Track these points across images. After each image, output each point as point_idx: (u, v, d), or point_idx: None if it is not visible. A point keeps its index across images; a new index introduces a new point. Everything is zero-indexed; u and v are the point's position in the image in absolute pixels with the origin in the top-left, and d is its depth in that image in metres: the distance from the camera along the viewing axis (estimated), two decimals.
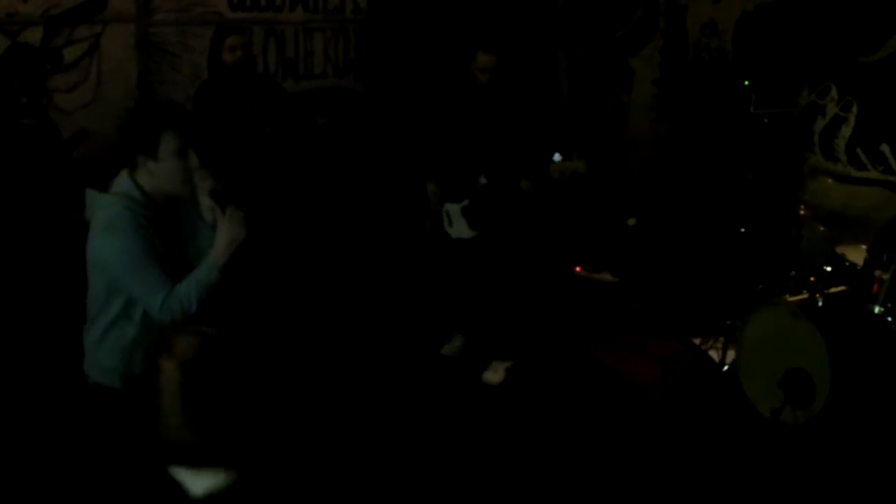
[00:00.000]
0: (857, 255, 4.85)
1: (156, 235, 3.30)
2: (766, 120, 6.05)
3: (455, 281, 5.40)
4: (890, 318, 4.47)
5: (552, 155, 4.93)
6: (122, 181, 3.34)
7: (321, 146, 6.59)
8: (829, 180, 5.60)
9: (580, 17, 7.89)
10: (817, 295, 4.65)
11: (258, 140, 5.17)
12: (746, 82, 6.12)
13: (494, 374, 5.20)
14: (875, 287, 4.54)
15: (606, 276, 6.49)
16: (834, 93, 6.20)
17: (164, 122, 3.31)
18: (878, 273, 4.54)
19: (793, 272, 5.24)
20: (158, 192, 3.35)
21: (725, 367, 5.23)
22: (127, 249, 3.21)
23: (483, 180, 5.20)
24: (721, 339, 5.42)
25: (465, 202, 5.24)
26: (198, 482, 3.08)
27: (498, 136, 5.31)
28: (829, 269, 4.92)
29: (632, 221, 6.34)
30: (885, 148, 5.95)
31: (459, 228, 5.28)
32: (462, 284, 5.36)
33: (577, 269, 6.46)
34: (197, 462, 3.06)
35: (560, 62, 8.08)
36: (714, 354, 5.48)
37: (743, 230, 5.82)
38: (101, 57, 5.99)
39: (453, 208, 5.28)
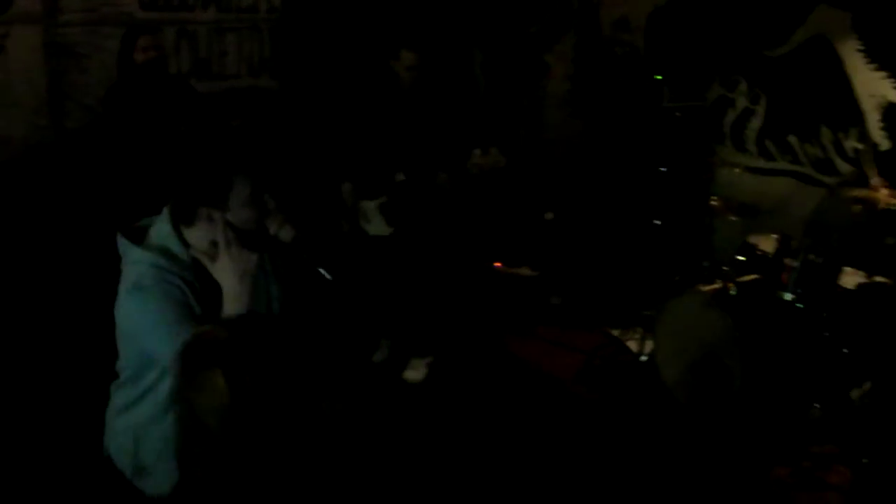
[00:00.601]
0: (768, 244, 4.95)
1: (195, 298, 2.77)
2: (677, 113, 6.16)
3: (373, 279, 5.37)
4: (800, 305, 4.58)
5: (471, 150, 4.93)
6: (163, 232, 2.79)
7: (236, 147, 6.50)
8: (739, 171, 5.72)
9: (495, 12, 7.91)
10: (730, 284, 4.75)
11: (171, 142, 5.07)
12: (659, 76, 6.24)
13: (415, 372, 5.19)
14: (785, 275, 4.65)
15: (525, 271, 6.53)
16: (743, 86, 6.33)
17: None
18: (787, 261, 4.65)
19: (706, 262, 5.33)
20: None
21: (643, 358, 5.31)
22: (151, 310, 2.68)
23: (401, 177, 5.18)
24: (639, 329, 5.50)
25: (383, 199, 5.22)
26: None
27: (417, 133, 5.30)
28: (741, 258, 5.02)
29: (549, 216, 6.38)
30: (792, 139, 6.09)
31: (377, 226, 5.26)
32: (380, 282, 5.34)
33: (497, 264, 6.48)
34: None
35: (476, 58, 8.09)
36: (633, 345, 5.56)
37: (657, 222, 5.92)
38: (8, 59, 5.82)
39: (370, 205, 5.24)
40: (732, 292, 4.71)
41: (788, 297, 4.58)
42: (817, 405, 4.43)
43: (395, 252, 5.25)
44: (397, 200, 5.20)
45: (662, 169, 5.97)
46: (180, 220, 2.79)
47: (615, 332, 5.81)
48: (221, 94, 6.93)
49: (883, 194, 4.79)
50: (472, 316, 5.88)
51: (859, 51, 5.72)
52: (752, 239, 5.11)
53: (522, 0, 7.65)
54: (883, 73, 5.61)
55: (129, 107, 4.99)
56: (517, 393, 5.11)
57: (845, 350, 4.48)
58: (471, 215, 5.57)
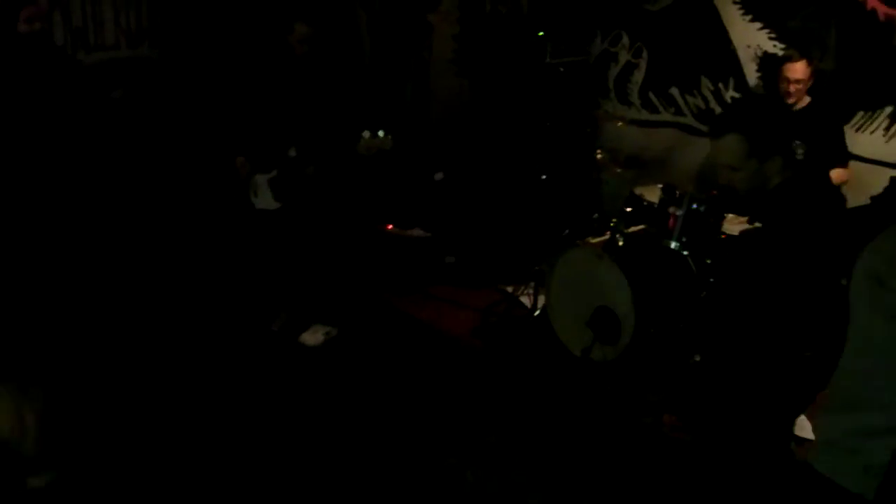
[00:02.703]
0: (653, 194, 5.04)
1: None
2: (561, 69, 6.21)
3: (266, 252, 5.31)
4: (686, 252, 4.68)
5: (360, 130, 4.89)
6: None
7: (118, 120, 6.30)
8: (623, 124, 5.81)
9: None
10: (618, 235, 4.83)
11: (54, 116, 4.90)
12: (541, 33, 6.26)
13: (312, 336, 5.16)
14: (671, 223, 4.74)
15: (418, 232, 6.52)
16: (625, 40, 6.41)
17: None
18: (672, 210, 4.74)
19: (595, 215, 5.42)
20: None
21: (537, 312, 5.37)
22: None
23: (293, 153, 5.11)
24: (532, 284, 5.56)
25: (273, 173, 5.14)
26: None
27: (310, 107, 5.24)
28: (628, 209, 5.10)
29: (438, 176, 6.37)
30: (674, 91, 6.21)
31: (264, 200, 5.19)
32: (272, 255, 5.29)
33: (389, 226, 6.46)
34: None
35: (361, 19, 8.00)
36: (526, 300, 5.63)
37: (545, 177, 5.97)
38: None
39: (261, 179, 5.17)
40: (620, 243, 4.79)
41: (674, 245, 4.67)
42: (697, 355, 4.54)
43: (282, 226, 5.19)
44: (287, 176, 5.13)
45: (548, 124, 6.03)
46: None
47: (509, 289, 5.87)
48: (100, 66, 6.70)
49: None
50: (366, 279, 5.88)
51: (735, 3, 5.85)
52: (639, 190, 5.20)
53: None
54: (758, 24, 5.75)
55: (12, 80, 4.80)
56: (414, 351, 5.13)
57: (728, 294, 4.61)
58: (357, 191, 5.53)
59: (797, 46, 5.45)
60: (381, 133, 4.87)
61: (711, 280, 4.61)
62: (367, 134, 4.89)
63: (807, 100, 5.28)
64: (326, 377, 4.81)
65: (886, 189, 4.91)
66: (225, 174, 5.27)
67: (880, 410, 2.02)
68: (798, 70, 5.17)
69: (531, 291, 5.53)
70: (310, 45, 5.22)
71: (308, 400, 4.54)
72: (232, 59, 6.02)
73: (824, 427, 2.24)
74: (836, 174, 5.06)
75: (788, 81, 5.23)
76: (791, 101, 5.25)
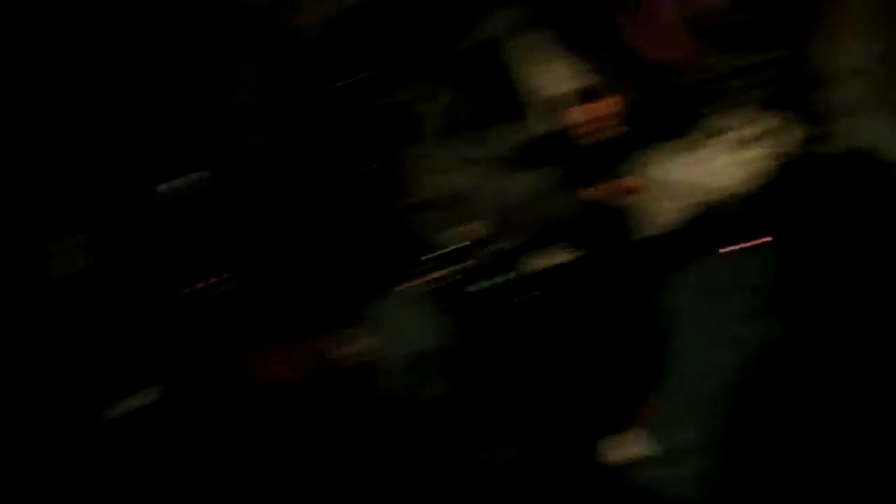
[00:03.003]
0: (467, 233, 5.11)
1: None
2: (373, 113, 6.23)
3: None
4: (499, 292, 4.76)
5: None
6: None
7: None
8: (436, 165, 5.85)
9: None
10: (436, 276, 4.86)
11: None
12: (351, 78, 6.28)
13: (137, 400, 4.98)
14: (484, 263, 4.82)
15: (238, 282, 6.39)
16: (434, 82, 6.48)
17: None
18: (491, 248, 4.82)
19: (412, 258, 5.44)
20: None
21: (365, 359, 5.34)
22: None
23: None
24: (357, 329, 5.53)
25: None
26: None
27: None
28: (444, 250, 5.15)
29: (254, 221, 6.28)
30: (484, 130, 6.29)
31: None
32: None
33: (212, 280, 6.32)
34: None
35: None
36: (353, 348, 5.59)
37: (361, 220, 5.97)
38: None
39: None
40: (438, 284, 4.83)
41: (487, 284, 4.74)
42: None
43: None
44: None
45: (360, 167, 6.03)
46: None
47: (336, 337, 5.81)
48: None
49: None
50: (191, 335, 5.73)
51: (533, 45, 6.00)
52: (453, 230, 5.26)
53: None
54: (558, 63, 5.92)
55: None
56: (237, 407, 5.03)
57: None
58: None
59: (598, 82, 5.65)
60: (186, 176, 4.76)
61: (525, 317, 4.71)
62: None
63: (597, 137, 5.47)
64: (150, 444, 4.67)
65: None
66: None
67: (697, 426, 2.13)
68: (603, 105, 5.35)
69: (358, 338, 5.50)
70: None
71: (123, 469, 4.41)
72: None
73: (648, 443, 2.33)
74: None
75: (577, 123, 5.40)
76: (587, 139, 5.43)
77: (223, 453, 4.57)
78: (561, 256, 4.75)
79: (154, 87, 7.47)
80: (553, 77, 5.91)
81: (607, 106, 5.39)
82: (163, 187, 4.79)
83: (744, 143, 5.40)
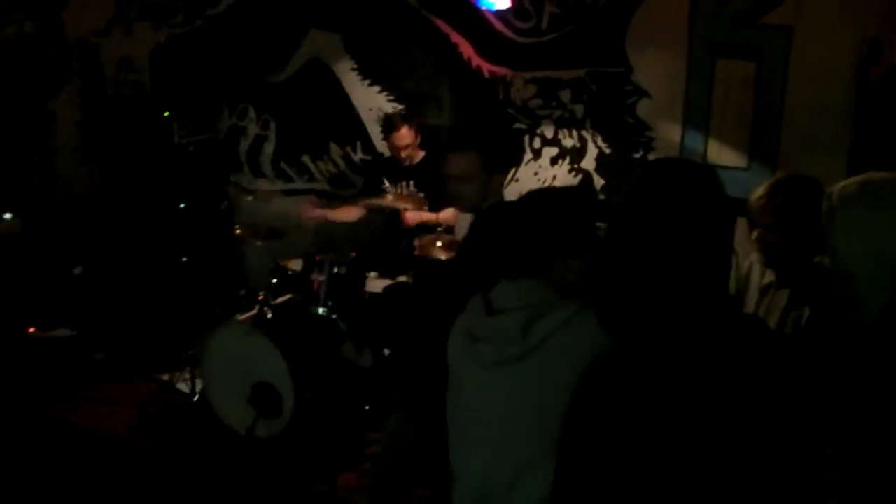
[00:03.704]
0: (296, 263, 5.09)
1: None
2: (190, 148, 6.15)
3: None
4: (334, 315, 4.75)
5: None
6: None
7: None
8: (252, 198, 5.83)
9: None
10: (265, 308, 4.81)
11: None
12: (167, 113, 6.17)
13: None
14: (315, 289, 4.81)
15: (63, 332, 6.16)
16: (252, 113, 6.45)
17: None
18: (314, 276, 4.80)
19: (242, 291, 5.37)
20: None
21: (196, 397, 5.22)
22: None
23: None
24: (188, 369, 5.40)
25: None
26: None
27: None
28: (274, 281, 5.11)
29: (77, 270, 6.07)
30: (305, 159, 6.32)
31: None
32: None
33: (30, 329, 6.06)
34: None
35: None
36: (184, 386, 5.45)
37: (185, 259, 5.86)
38: None
39: None
40: (269, 315, 4.78)
41: (321, 310, 4.73)
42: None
43: None
44: None
45: (182, 205, 5.93)
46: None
47: (165, 377, 5.66)
48: None
49: (389, 200, 5.13)
50: (11, 391, 5.45)
51: (353, 69, 6.06)
52: (282, 260, 5.23)
53: (17, 48, 7.22)
54: (377, 88, 5.99)
55: None
56: (71, 459, 4.81)
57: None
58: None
59: (414, 105, 5.75)
60: (7, 215, 4.54)
61: (362, 340, 4.71)
62: None
63: (421, 154, 5.56)
64: None
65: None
66: None
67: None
68: (403, 134, 5.44)
69: (188, 377, 5.37)
70: None
71: None
72: None
73: None
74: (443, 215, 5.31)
75: (398, 148, 5.49)
76: (406, 162, 5.51)
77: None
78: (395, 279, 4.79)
79: None
80: (380, 99, 6.00)
81: (415, 129, 5.50)
82: None
83: (556, 158, 5.59)
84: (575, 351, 2.19)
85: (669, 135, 5.24)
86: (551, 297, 2.33)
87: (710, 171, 2.11)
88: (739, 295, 3.26)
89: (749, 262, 3.28)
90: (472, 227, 3.36)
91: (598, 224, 2.51)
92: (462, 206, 4.18)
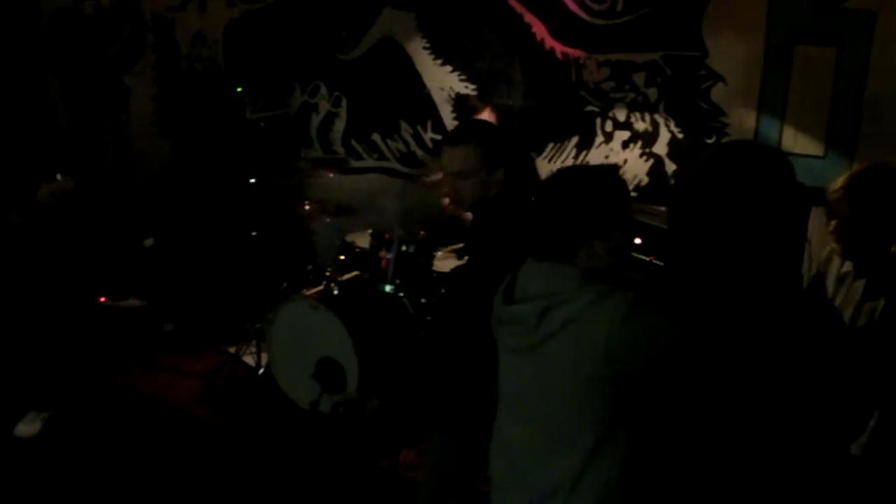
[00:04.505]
0: (364, 240, 5.11)
1: None
2: (262, 123, 6.19)
3: None
4: (401, 294, 4.76)
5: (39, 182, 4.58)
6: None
7: None
8: (330, 174, 5.84)
9: (67, 36, 7.54)
10: (332, 284, 4.83)
11: None
12: (240, 89, 6.22)
13: (28, 427, 4.79)
14: (383, 267, 4.82)
15: (133, 302, 6.27)
16: (324, 90, 6.48)
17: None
18: (382, 254, 4.82)
19: (309, 266, 5.41)
20: None
21: (261, 371, 5.28)
22: None
23: None
24: (254, 343, 5.46)
25: None
26: None
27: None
28: (341, 257, 5.14)
29: (149, 242, 6.16)
30: (376, 137, 6.33)
31: None
32: None
33: (101, 299, 6.18)
34: None
35: (52, 86, 7.66)
36: (250, 359, 5.52)
37: (255, 234, 5.92)
38: None
39: None
40: (336, 292, 4.80)
41: (388, 288, 4.74)
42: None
43: None
44: None
45: (253, 180, 5.98)
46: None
47: (231, 350, 5.74)
48: None
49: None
50: (83, 358, 5.56)
51: (425, 48, 6.05)
52: (350, 237, 5.26)
53: (95, 22, 7.34)
54: (449, 67, 5.97)
55: None
56: (139, 427, 4.90)
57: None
58: (53, 247, 5.16)
59: (486, 86, 5.72)
60: (58, 176, 4.59)
61: (428, 318, 4.71)
62: (44, 183, 4.58)
63: None
64: (48, 467, 4.50)
65: None
66: None
67: None
68: (484, 116, 5.40)
69: (254, 350, 5.44)
70: None
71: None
72: None
73: None
74: None
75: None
76: None
77: (124, 471, 4.45)
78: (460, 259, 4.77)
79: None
80: (452, 78, 5.98)
81: (496, 112, 5.46)
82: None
83: (627, 141, 5.52)
84: (585, 343, 2.21)
85: (744, 121, 5.15)
86: (570, 285, 2.29)
87: (781, 156, 2.07)
88: (818, 282, 3.21)
89: (829, 249, 3.21)
90: (479, 219, 3.33)
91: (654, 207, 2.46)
92: (461, 206, 4.01)
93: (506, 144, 3.42)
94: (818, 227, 3.31)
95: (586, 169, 3.46)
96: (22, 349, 4.95)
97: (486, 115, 5.39)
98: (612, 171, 2.59)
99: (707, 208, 1.99)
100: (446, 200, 5.14)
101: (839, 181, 3.00)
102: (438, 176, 4.89)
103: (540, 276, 2.37)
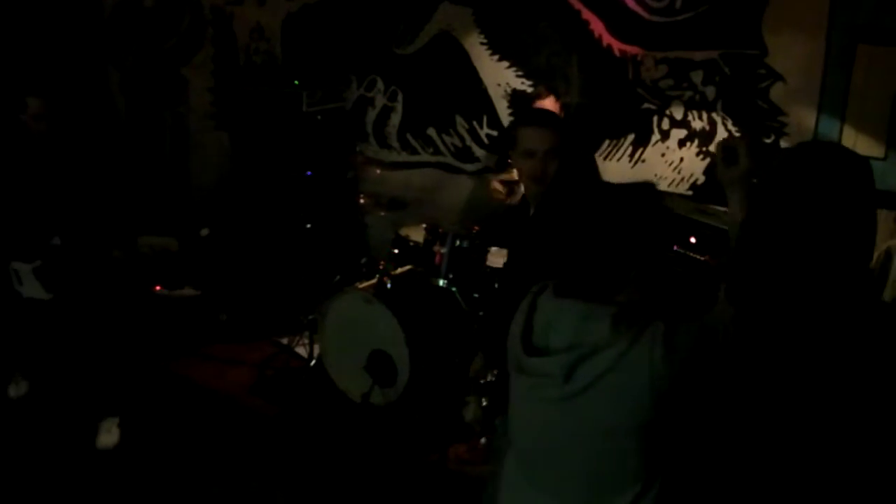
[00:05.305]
0: (418, 234, 5.12)
1: None
2: (318, 117, 6.23)
3: (26, 334, 4.96)
4: (454, 289, 4.77)
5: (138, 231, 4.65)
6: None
7: None
8: (379, 171, 5.88)
9: (127, 29, 7.65)
10: (386, 278, 4.86)
11: None
12: (297, 82, 6.26)
13: (109, 436, 4.83)
14: (437, 261, 4.83)
15: (188, 292, 6.35)
16: (381, 85, 6.50)
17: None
18: (436, 248, 4.83)
19: (363, 259, 5.44)
20: None
21: (313, 362, 5.32)
22: None
23: (57, 241, 4.79)
24: (306, 334, 5.51)
25: (38, 263, 4.82)
26: None
27: (66, 191, 4.92)
28: (395, 251, 5.16)
29: (204, 232, 6.24)
30: (431, 132, 6.35)
31: (32, 289, 4.85)
32: (36, 340, 4.94)
33: (157, 287, 6.26)
34: None
35: (112, 78, 7.78)
36: (302, 351, 5.56)
37: (310, 226, 5.96)
38: None
39: (23, 268, 4.82)
40: (389, 285, 4.82)
41: (442, 282, 4.76)
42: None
43: (54, 315, 4.86)
44: (54, 266, 4.81)
45: (309, 173, 6.02)
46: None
47: (284, 341, 5.79)
48: None
49: (515, 175, 5.09)
50: (139, 346, 5.63)
51: (482, 44, 6.05)
52: (404, 231, 5.28)
53: (155, 15, 7.44)
54: (506, 63, 5.96)
55: None
56: (187, 415, 4.96)
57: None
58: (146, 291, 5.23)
59: (543, 82, 5.70)
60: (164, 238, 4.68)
61: (481, 313, 4.71)
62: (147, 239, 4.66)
63: None
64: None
65: None
66: None
67: None
68: (547, 105, 5.39)
69: (306, 341, 5.48)
70: (47, 122, 4.82)
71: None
72: None
73: None
74: None
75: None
76: None
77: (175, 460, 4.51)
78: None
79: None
80: (509, 74, 5.97)
81: (560, 103, 5.45)
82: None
83: (684, 140, 5.48)
84: (627, 394, 2.06)
85: (803, 121, 5.08)
86: (600, 332, 2.07)
87: (863, 161, 2.03)
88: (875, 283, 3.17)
89: (886, 246, 3.18)
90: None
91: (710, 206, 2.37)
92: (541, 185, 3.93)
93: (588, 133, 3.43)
94: (879, 230, 3.27)
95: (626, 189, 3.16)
96: (90, 350, 5.00)
97: (550, 103, 5.39)
98: (650, 190, 2.49)
99: (784, 210, 1.96)
100: (502, 191, 5.16)
101: None
102: (513, 176, 4.87)
103: (566, 323, 2.14)
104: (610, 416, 2.08)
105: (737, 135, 5.23)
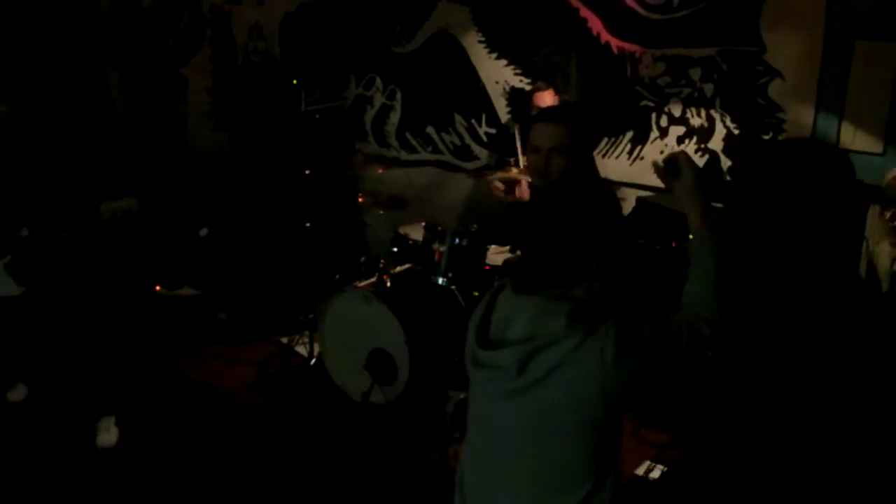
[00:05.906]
0: (417, 232, 5.12)
1: None
2: (317, 116, 6.23)
3: (13, 335, 4.94)
4: (453, 287, 4.76)
5: (101, 198, 4.65)
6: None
7: None
8: (380, 170, 5.88)
9: (126, 29, 7.65)
10: (385, 276, 4.85)
11: None
12: (295, 81, 6.27)
13: (108, 435, 4.82)
14: (436, 260, 4.82)
15: (187, 291, 6.35)
16: (379, 83, 6.51)
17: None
18: (436, 247, 4.82)
19: (362, 258, 5.43)
20: None
21: (313, 361, 5.31)
22: None
23: (25, 233, 4.77)
24: (306, 333, 5.50)
25: (7, 258, 4.79)
26: None
27: (36, 184, 4.91)
28: (394, 249, 5.15)
29: (203, 232, 6.23)
30: (430, 130, 6.35)
31: (4, 286, 4.83)
32: (22, 338, 4.92)
33: (157, 287, 6.26)
34: None
35: (110, 78, 7.79)
36: (302, 350, 5.56)
37: (309, 225, 5.95)
38: None
39: None
40: (389, 284, 4.82)
41: (441, 280, 4.75)
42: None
43: (31, 309, 4.84)
44: (24, 259, 4.79)
45: (307, 172, 6.02)
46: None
47: (284, 340, 5.79)
48: None
49: (514, 173, 5.10)
50: (138, 347, 5.63)
51: (481, 42, 6.05)
52: (403, 229, 5.27)
53: (153, 15, 7.44)
54: (504, 61, 5.97)
55: None
56: (186, 414, 4.95)
57: None
58: (110, 261, 5.20)
59: (542, 79, 5.71)
60: (125, 198, 4.67)
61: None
62: (107, 202, 4.66)
63: None
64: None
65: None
66: None
67: None
68: (547, 98, 5.41)
69: (306, 340, 5.48)
70: (15, 126, 4.80)
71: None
72: None
73: None
74: None
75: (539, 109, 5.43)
76: None
77: (172, 458, 4.50)
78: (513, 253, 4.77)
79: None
80: (507, 72, 5.97)
81: (559, 97, 5.45)
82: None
83: (683, 137, 5.49)
84: (579, 390, 2.08)
85: (801, 117, 5.09)
86: (555, 326, 2.09)
87: (841, 154, 2.05)
88: (871, 277, 3.17)
89: (882, 241, 3.18)
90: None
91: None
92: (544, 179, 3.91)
93: (590, 130, 3.42)
94: (875, 224, 3.27)
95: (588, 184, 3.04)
96: (87, 350, 5.00)
97: (549, 97, 5.40)
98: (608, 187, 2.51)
99: (767, 204, 1.97)
100: (502, 189, 5.15)
101: (894, 171, 2.96)
102: (513, 174, 4.86)
103: (523, 316, 2.16)
104: (561, 410, 2.11)
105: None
